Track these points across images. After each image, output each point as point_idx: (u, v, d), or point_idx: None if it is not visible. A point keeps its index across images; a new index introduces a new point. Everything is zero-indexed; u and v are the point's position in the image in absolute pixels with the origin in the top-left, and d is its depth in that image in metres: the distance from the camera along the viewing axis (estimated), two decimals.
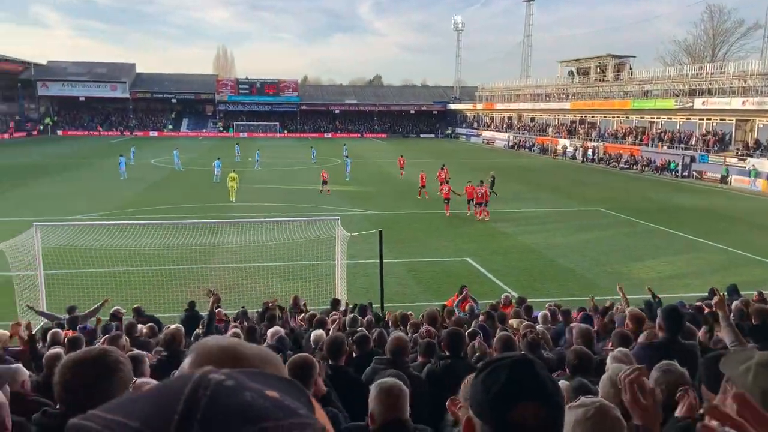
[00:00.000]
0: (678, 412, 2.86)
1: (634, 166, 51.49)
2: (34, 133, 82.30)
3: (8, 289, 13.81)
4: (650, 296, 10.92)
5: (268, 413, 0.55)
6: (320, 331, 7.68)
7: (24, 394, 3.92)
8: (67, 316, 10.62)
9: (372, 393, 3.37)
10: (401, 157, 44.30)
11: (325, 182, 33.66)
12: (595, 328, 7.38)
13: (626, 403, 2.06)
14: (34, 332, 7.66)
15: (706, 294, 12.45)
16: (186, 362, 0.73)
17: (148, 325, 9.75)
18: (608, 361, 3.89)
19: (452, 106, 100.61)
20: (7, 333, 7.60)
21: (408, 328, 9.14)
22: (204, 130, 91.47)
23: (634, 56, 67.31)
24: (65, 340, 7.03)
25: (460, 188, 27.75)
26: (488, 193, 27.63)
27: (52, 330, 8.09)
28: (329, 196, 32.32)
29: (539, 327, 8.04)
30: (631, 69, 64.14)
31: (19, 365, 4.31)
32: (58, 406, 2.21)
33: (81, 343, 6.45)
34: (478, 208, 26.73)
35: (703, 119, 50.19)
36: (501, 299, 12.31)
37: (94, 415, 0.55)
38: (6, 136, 75.13)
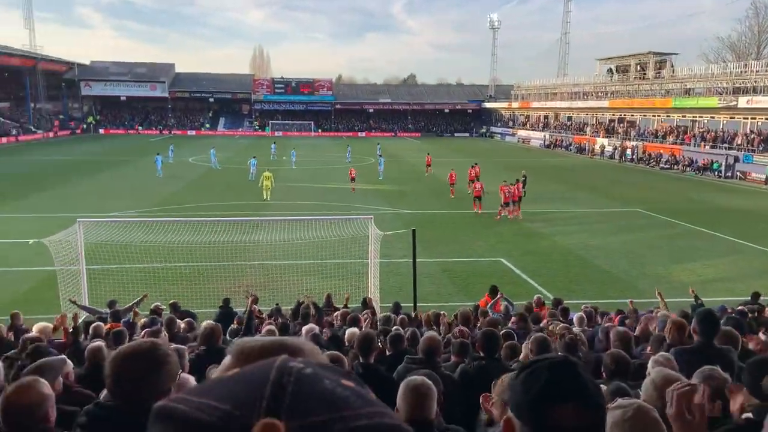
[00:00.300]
0: (733, 408, 2.78)
1: (675, 166, 50.27)
2: (78, 131, 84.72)
3: (52, 284, 14.27)
4: (693, 299, 10.62)
5: (348, 402, 0.58)
6: (354, 329, 7.72)
7: (70, 386, 4.05)
8: (107, 310, 10.92)
9: (400, 390, 3.36)
10: (428, 155, 44.92)
11: (353, 179, 34.52)
12: (636, 333, 7.22)
13: (669, 417, 2.01)
14: (77, 324, 7.89)
15: (749, 298, 12.09)
16: (227, 360, 0.74)
17: (186, 320, 9.94)
18: (650, 365, 3.80)
19: (487, 105, 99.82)
20: (50, 326, 7.85)
21: (441, 327, 9.10)
22: (240, 129, 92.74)
23: (676, 53, 65.66)
24: (109, 334, 7.23)
25: (494, 188, 27.55)
26: (521, 191, 27.17)
27: (95, 324, 8.31)
28: (363, 195, 32.47)
29: (575, 329, 7.91)
30: (672, 66, 62.54)
31: (65, 357, 4.45)
32: (102, 397, 2.28)
33: (124, 337, 6.62)
34: (507, 207, 26.37)
35: (747, 118, 48.68)
36: (533, 300, 12.15)
37: (182, 398, 0.57)
38: (51, 134, 77.56)
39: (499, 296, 11.98)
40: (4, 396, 2.81)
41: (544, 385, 1.22)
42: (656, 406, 2.06)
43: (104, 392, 3.21)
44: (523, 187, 28.26)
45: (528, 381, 1.25)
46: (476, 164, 34.60)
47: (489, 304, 11.64)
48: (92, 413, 2.14)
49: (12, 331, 8.31)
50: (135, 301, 11.73)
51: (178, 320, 9.56)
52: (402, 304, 12.76)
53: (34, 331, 7.70)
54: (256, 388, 0.56)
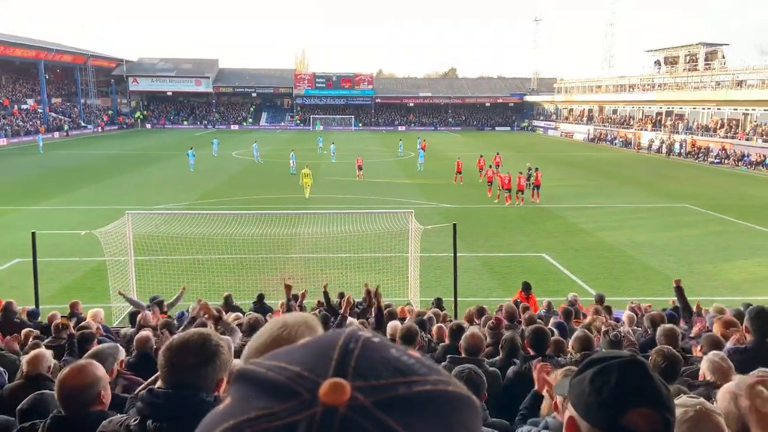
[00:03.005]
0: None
1: (726, 161, 48.55)
2: (126, 126, 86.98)
3: (101, 273, 14.75)
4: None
5: (414, 368, 0.60)
6: (396, 322, 7.72)
7: (120, 373, 4.18)
8: (148, 304, 11.20)
9: None
10: (423, 141, 47.43)
11: (360, 168, 37.06)
12: (692, 334, 7.00)
13: (744, 410, 1.91)
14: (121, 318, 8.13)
15: None
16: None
17: (235, 314, 10.13)
18: (703, 364, 3.66)
19: (529, 98, 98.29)
20: (101, 311, 8.12)
21: (482, 321, 9.01)
22: (282, 123, 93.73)
23: (727, 44, 63.32)
24: (158, 324, 7.43)
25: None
26: (510, 180, 28.17)
27: (143, 313, 8.54)
28: (403, 189, 32.48)
29: (623, 329, 7.72)
30: (724, 58, 60.37)
31: (118, 345, 4.59)
32: (157, 384, 2.34)
33: (174, 327, 6.78)
34: (508, 193, 28.13)
35: None
36: (569, 298, 11.76)
37: (257, 362, 0.62)
38: (100, 129, 79.92)
39: (531, 294, 11.80)
40: (59, 377, 2.92)
41: (616, 386, 1.16)
42: (733, 422, 1.95)
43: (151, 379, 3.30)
44: (528, 180, 29.94)
45: (597, 380, 1.19)
46: (498, 153, 38.93)
47: (520, 303, 11.32)
48: (146, 399, 2.20)
49: (72, 318, 8.62)
50: (176, 295, 11.97)
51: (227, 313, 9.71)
52: (442, 299, 12.74)
53: (89, 317, 8.01)
54: (325, 352, 0.60)
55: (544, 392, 3.30)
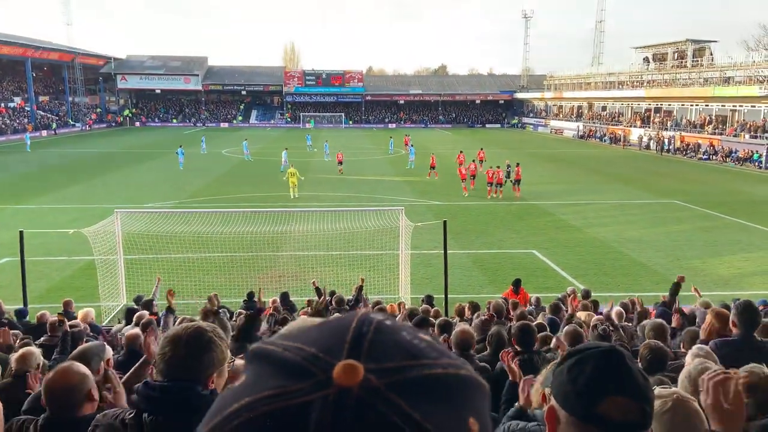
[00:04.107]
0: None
1: (714, 157, 48.93)
2: (114, 124, 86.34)
3: (90, 272, 14.65)
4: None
5: (424, 352, 0.62)
6: None
7: (108, 371, 4.15)
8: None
9: None
10: (407, 136, 50.15)
11: (340, 163, 37.98)
12: (673, 324, 7.08)
13: (704, 406, 1.93)
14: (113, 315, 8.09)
15: None
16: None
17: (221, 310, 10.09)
18: (688, 358, 3.70)
19: (519, 95, 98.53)
20: (92, 311, 8.08)
21: (474, 317, 9.05)
22: (272, 121, 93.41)
23: (715, 41, 63.72)
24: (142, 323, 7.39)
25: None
26: (494, 174, 29.24)
27: (139, 312, 8.50)
28: (394, 187, 32.49)
29: (615, 322, 7.77)
30: (711, 54, 60.77)
31: (104, 343, 4.57)
32: (153, 378, 2.36)
33: (155, 325, 6.75)
34: (489, 187, 29.21)
35: None
36: (568, 291, 12.02)
37: (273, 341, 0.63)
38: (88, 127, 79.29)
39: (522, 289, 11.89)
40: (45, 380, 2.90)
41: (591, 375, 1.18)
42: (692, 392, 1.98)
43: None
44: (507, 176, 30.76)
45: (574, 370, 1.20)
46: (482, 149, 39.67)
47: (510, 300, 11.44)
48: (142, 392, 2.20)
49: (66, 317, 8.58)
50: (154, 290, 11.81)
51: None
52: (433, 296, 12.77)
53: (79, 317, 7.96)
54: (339, 334, 0.62)
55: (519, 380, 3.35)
